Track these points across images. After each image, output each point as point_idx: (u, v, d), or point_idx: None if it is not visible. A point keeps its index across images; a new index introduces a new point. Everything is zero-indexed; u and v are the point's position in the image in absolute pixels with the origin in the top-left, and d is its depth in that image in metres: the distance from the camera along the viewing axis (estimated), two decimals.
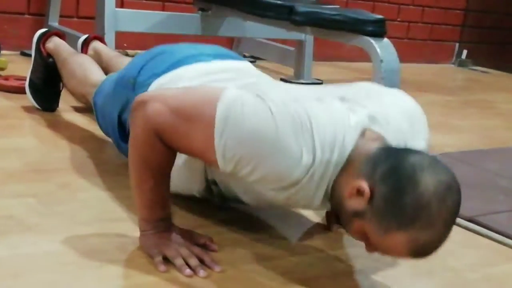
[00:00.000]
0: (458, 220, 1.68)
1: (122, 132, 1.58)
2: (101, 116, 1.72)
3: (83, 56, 2.08)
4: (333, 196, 1.22)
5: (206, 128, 1.16)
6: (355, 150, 1.20)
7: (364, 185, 1.12)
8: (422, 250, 1.12)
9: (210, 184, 1.44)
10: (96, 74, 1.88)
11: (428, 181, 1.09)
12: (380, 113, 1.27)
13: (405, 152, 1.17)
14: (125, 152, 1.60)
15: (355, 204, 1.15)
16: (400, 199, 1.09)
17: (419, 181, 1.09)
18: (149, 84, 1.53)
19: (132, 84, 1.57)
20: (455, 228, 1.67)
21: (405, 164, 1.12)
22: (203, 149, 1.19)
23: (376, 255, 1.28)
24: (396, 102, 1.36)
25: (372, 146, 1.19)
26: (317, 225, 1.54)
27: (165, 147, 1.24)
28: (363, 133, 1.22)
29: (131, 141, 1.26)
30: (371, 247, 1.19)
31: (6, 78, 2.41)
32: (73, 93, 2.03)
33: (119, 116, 1.58)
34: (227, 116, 1.16)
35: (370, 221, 1.13)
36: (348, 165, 1.19)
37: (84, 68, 1.95)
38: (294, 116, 1.17)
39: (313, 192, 1.22)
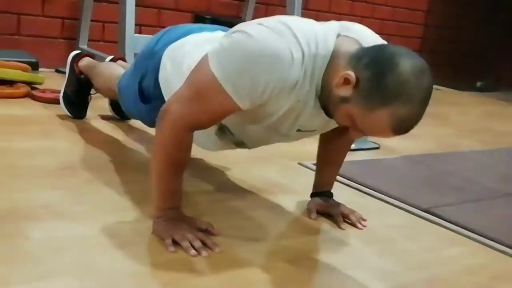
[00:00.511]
0: (414, 210, 1.69)
1: (141, 96, 1.58)
2: (124, 93, 1.71)
3: (111, 63, 2.10)
4: (322, 92, 1.21)
5: (216, 90, 1.17)
6: (336, 48, 1.19)
7: (351, 73, 1.12)
8: (402, 125, 1.12)
9: (224, 128, 1.43)
10: (119, 70, 1.89)
11: (406, 64, 1.10)
12: (349, 26, 1.26)
13: (383, 45, 1.19)
14: (142, 117, 1.71)
15: (342, 91, 1.14)
16: (383, 79, 1.10)
17: (398, 64, 1.09)
18: (162, 51, 1.53)
19: (150, 54, 1.57)
20: (413, 217, 1.68)
21: (385, 52, 1.14)
22: (227, 105, 1.19)
23: (347, 232, 1.26)
24: (361, 26, 1.34)
25: (352, 46, 1.19)
26: (299, 216, 1.53)
27: (191, 138, 1.25)
28: (339, 36, 1.21)
29: (158, 142, 1.27)
30: (356, 130, 1.20)
31: (43, 91, 2.41)
32: (101, 90, 2.04)
33: (140, 84, 1.58)
34: (222, 68, 1.16)
35: (356, 103, 1.13)
36: (333, 61, 1.18)
37: (110, 68, 2.01)
38: (272, 28, 1.16)
39: (307, 91, 1.20)
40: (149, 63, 1.56)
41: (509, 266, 1.42)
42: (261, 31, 1.17)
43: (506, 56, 5.48)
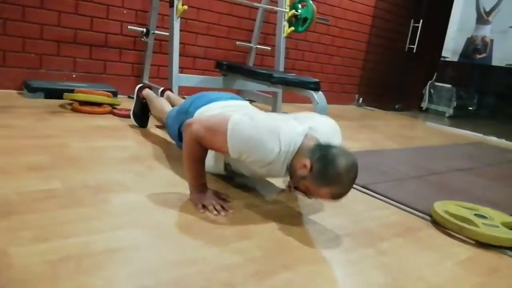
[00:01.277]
0: (357, 186, 1.69)
1: (179, 136, 1.58)
2: (169, 129, 1.74)
3: (161, 98, 2.10)
4: (290, 169, 1.24)
5: (222, 137, 1.20)
6: (302, 144, 1.22)
7: (308, 162, 1.16)
8: (336, 197, 1.17)
9: (226, 165, 1.44)
10: (168, 107, 1.90)
11: (341, 163, 1.13)
12: (315, 126, 1.30)
13: (329, 146, 1.18)
14: (180, 147, 1.62)
15: (302, 172, 1.17)
16: (326, 171, 1.13)
17: (336, 163, 1.13)
18: (194, 112, 1.55)
19: (185, 111, 1.58)
20: (355, 192, 1.68)
21: (329, 153, 1.15)
22: (222, 147, 1.22)
23: (312, 202, 1.27)
24: (324, 121, 1.39)
25: (312, 143, 1.21)
26: (283, 189, 1.53)
27: (201, 147, 1.26)
28: (306, 136, 1.24)
29: (183, 145, 1.29)
30: (310, 195, 1.23)
31: (120, 110, 2.41)
32: (156, 118, 2.04)
33: (178, 129, 1.58)
34: (233, 129, 1.19)
35: (310, 181, 1.17)
36: (298, 153, 1.21)
37: (161, 104, 1.98)
38: (269, 128, 1.20)
39: (280, 167, 1.24)
40: (184, 117, 1.54)
41: (416, 221, 1.42)
42: (263, 129, 1.18)
43: (413, 88, 5.50)
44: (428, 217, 1.45)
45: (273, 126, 1.21)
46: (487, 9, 4.89)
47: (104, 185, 1.30)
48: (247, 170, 1.38)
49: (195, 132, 1.23)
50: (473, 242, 1.29)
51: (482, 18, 4.91)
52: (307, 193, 1.22)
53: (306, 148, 1.20)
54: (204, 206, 1.22)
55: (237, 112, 1.29)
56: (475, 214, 1.42)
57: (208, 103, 1.56)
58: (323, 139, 1.23)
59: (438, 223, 1.40)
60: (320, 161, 1.14)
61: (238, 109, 1.47)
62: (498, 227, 1.34)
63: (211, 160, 1.45)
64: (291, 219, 1.29)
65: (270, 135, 1.18)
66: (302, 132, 1.24)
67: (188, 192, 1.30)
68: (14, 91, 2.63)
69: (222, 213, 1.21)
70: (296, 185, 1.24)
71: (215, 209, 1.21)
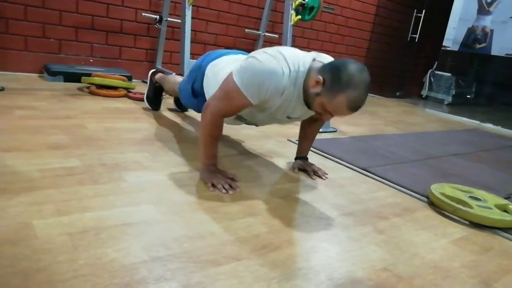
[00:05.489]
0: (357, 169, 1.69)
1: (193, 93, 1.58)
2: (182, 92, 1.70)
3: (174, 74, 2.10)
4: (304, 93, 1.20)
5: (237, 92, 1.18)
6: (311, 66, 1.19)
7: (320, 77, 1.13)
8: (354, 105, 1.10)
9: (240, 117, 1.43)
10: (179, 79, 1.89)
11: (352, 66, 1.09)
12: (319, 56, 1.24)
13: (338, 58, 1.18)
14: (194, 107, 1.67)
15: (315, 89, 1.15)
16: (338, 76, 1.09)
17: (347, 66, 1.09)
18: (206, 66, 1.51)
19: (198, 67, 1.55)
20: (356, 173, 1.67)
21: (339, 61, 1.13)
22: (244, 101, 1.19)
23: (314, 183, 1.26)
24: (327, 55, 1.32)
25: (320, 64, 1.18)
26: (287, 171, 1.53)
27: (222, 122, 1.25)
28: (314, 60, 1.21)
29: (202, 125, 1.26)
30: (326, 113, 1.17)
31: (135, 93, 2.41)
32: (168, 91, 2.04)
33: (192, 86, 1.57)
34: (240, 78, 1.18)
35: (324, 95, 1.13)
36: (309, 73, 1.18)
37: (174, 77, 1.98)
38: (272, 55, 1.17)
39: (292, 93, 1.20)
40: (198, 73, 1.54)
41: (414, 202, 1.42)
42: (265, 57, 1.16)
43: (414, 76, 5.42)
44: (425, 199, 1.45)
45: (274, 53, 1.17)
46: (489, 0, 4.75)
47: (120, 163, 1.31)
48: (263, 118, 1.35)
49: (213, 109, 1.22)
50: (467, 222, 1.29)
51: (483, 8, 4.78)
52: (323, 112, 1.17)
53: (315, 69, 1.17)
54: (213, 185, 1.22)
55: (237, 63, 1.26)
56: (470, 197, 1.41)
57: (219, 57, 1.52)
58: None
59: (434, 204, 1.39)
60: (331, 71, 1.11)
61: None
62: (491, 209, 1.34)
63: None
64: (295, 198, 1.29)
65: (275, 61, 1.15)
66: (309, 55, 1.22)
67: (198, 172, 1.31)
68: (35, 75, 2.64)
69: (230, 191, 1.21)
70: (311, 106, 1.21)
71: (223, 187, 1.21)
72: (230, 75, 1.21)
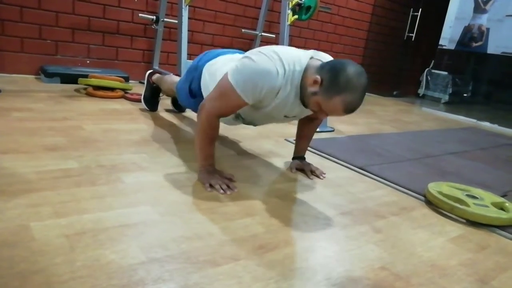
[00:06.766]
0: (354, 168, 1.69)
1: (190, 94, 1.58)
2: (180, 92, 1.69)
3: (171, 74, 2.10)
4: (301, 91, 1.19)
5: (232, 92, 1.17)
6: (309, 65, 1.18)
7: (317, 77, 1.11)
8: (350, 107, 1.09)
9: (239, 116, 1.42)
10: (176, 79, 1.89)
11: (350, 69, 1.07)
12: (317, 54, 1.23)
13: (337, 59, 1.16)
14: (191, 107, 1.65)
15: (313, 88, 1.13)
16: (336, 78, 1.08)
17: (346, 69, 1.07)
18: (203, 66, 1.51)
19: (195, 68, 1.55)
20: (353, 173, 1.68)
21: (338, 62, 1.12)
22: (239, 101, 1.19)
23: (311, 183, 1.26)
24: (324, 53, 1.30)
25: (318, 63, 1.17)
26: (284, 170, 1.53)
27: (218, 122, 1.24)
28: (311, 58, 1.20)
29: (198, 125, 1.26)
30: (322, 113, 1.17)
31: (132, 94, 2.41)
32: (166, 91, 2.03)
33: (189, 87, 1.58)
34: (235, 78, 1.17)
35: (321, 95, 1.12)
36: (306, 72, 1.17)
37: (171, 77, 2.00)
38: (267, 55, 1.15)
39: (288, 92, 1.19)
40: (195, 74, 1.54)
41: (411, 201, 1.42)
42: (259, 57, 1.15)
43: (411, 75, 5.43)
44: (422, 197, 1.45)
45: (269, 53, 1.16)
46: None
47: (117, 164, 1.30)
48: (255, 118, 1.35)
49: (209, 109, 1.22)
50: (464, 221, 1.29)
51: (479, 7, 4.79)
52: (319, 111, 1.16)
53: (313, 67, 1.16)
54: (211, 185, 1.22)
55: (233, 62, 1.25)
56: (466, 195, 1.42)
57: (215, 56, 1.52)
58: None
59: (431, 203, 1.40)
60: (329, 72, 1.09)
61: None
62: (488, 207, 1.34)
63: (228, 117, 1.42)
64: (293, 198, 1.29)
65: (269, 61, 1.14)
66: (307, 53, 1.21)
67: (196, 172, 1.31)
68: (32, 76, 2.63)
69: (228, 192, 1.21)
70: (308, 105, 1.20)
71: (221, 188, 1.21)
72: (225, 75, 1.21)
